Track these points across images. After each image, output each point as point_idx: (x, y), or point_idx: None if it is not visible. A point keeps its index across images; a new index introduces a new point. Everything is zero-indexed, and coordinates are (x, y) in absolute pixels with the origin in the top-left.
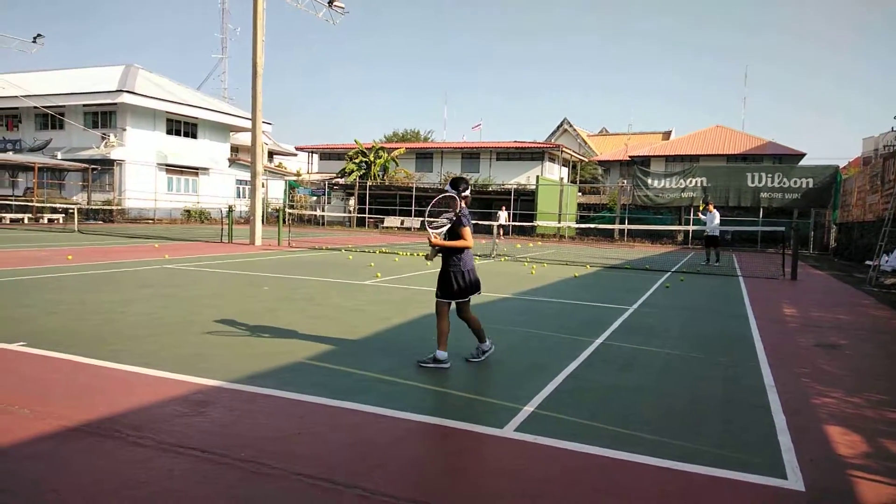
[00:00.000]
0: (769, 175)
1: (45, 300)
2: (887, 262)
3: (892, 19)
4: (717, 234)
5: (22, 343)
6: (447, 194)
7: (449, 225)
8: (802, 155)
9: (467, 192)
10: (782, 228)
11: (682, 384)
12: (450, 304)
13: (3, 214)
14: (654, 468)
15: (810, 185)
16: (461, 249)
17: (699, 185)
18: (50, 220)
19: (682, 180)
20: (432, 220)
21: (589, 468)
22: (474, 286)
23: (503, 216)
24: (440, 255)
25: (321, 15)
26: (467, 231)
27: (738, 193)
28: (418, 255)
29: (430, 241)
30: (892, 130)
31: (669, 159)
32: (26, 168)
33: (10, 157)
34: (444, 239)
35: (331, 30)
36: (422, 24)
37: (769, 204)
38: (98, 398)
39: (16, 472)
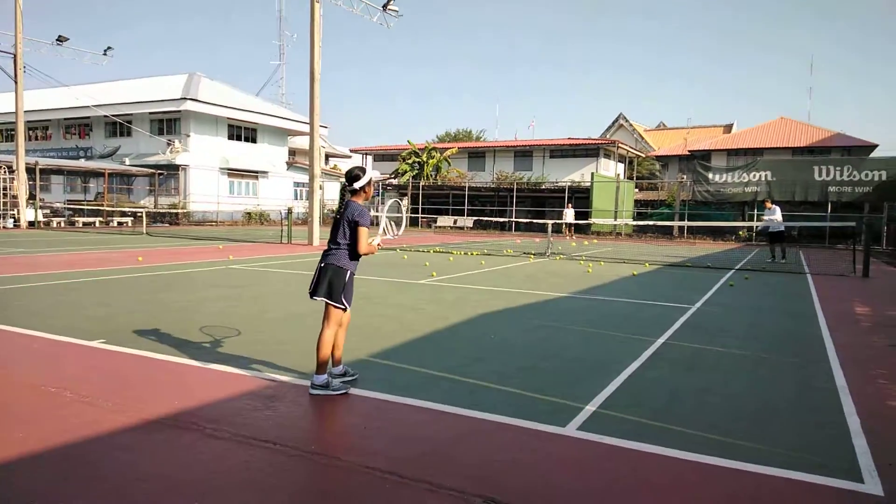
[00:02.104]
0: (838, 168)
1: (121, 299)
2: None
3: None
4: (781, 229)
5: (102, 340)
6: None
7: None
8: (874, 146)
9: (355, 185)
10: (853, 224)
11: (749, 385)
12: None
13: (77, 218)
14: (724, 469)
15: (883, 178)
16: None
17: (763, 179)
18: (119, 223)
19: (745, 174)
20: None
21: (656, 468)
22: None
23: (570, 213)
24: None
25: (376, 19)
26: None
27: (805, 188)
28: (473, 254)
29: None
30: None
31: (731, 153)
32: (97, 174)
33: (82, 163)
34: (353, 237)
35: (384, 32)
36: (473, 24)
37: (838, 198)
38: (174, 392)
39: (103, 462)
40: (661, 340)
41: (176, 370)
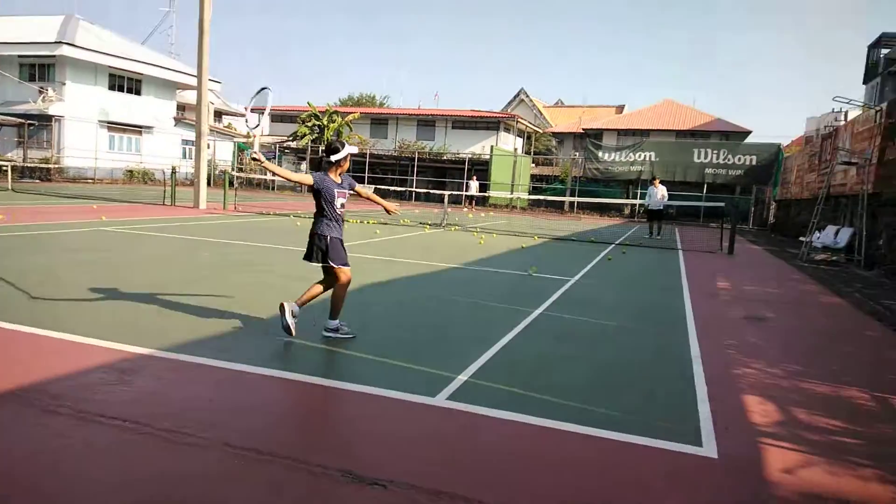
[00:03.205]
0: (715, 151)
1: None
2: (818, 238)
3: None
4: (660, 208)
5: None
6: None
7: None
8: (748, 132)
9: (332, 158)
10: (722, 204)
11: (612, 354)
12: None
13: None
14: (577, 435)
15: (753, 163)
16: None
17: (648, 159)
18: None
19: (631, 154)
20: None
21: (518, 436)
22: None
23: (474, 186)
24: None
25: None
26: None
27: (685, 169)
28: (369, 222)
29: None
30: (832, 112)
31: (621, 133)
32: None
33: None
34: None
35: None
36: None
37: (713, 180)
38: (18, 365)
39: None
40: (537, 312)
41: (24, 340)
